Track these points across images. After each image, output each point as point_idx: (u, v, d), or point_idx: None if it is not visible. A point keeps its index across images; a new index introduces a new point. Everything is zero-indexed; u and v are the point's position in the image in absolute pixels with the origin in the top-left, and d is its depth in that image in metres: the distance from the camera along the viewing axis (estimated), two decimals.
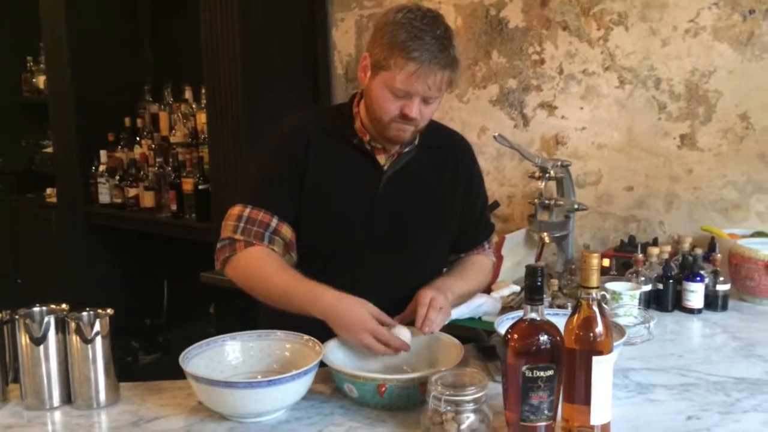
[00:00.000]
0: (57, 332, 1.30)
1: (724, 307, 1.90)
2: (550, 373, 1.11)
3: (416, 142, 1.59)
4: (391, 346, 1.38)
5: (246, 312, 1.72)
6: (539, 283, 1.14)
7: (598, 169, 2.55)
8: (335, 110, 1.65)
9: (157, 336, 3.68)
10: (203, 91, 3.06)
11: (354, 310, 1.39)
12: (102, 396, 1.31)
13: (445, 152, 1.65)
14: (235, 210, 1.54)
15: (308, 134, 1.56)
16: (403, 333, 1.41)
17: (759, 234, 2.17)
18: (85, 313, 1.31)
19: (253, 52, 2.82)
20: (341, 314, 1.39)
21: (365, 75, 1.49)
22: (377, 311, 1.41)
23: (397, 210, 1.57)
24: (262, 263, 1.51)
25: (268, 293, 1.50)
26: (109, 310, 1.33)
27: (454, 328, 1.88)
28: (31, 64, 3.94)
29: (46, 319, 1.29)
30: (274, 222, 1.53)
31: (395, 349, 1.39)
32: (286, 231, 1.55)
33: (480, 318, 2.01)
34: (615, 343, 1.24)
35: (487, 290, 2.05)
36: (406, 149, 1.58)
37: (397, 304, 1.48)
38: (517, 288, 2.15)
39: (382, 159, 1.58)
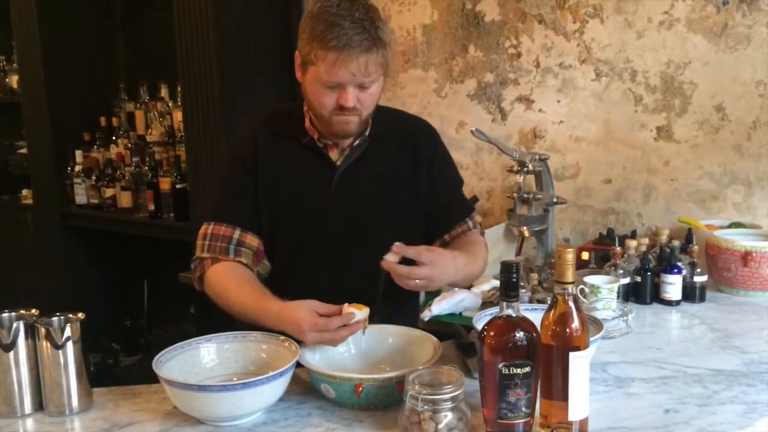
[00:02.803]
0: (27, 338, 1.28)
1: (702, 299, 1.91)
2: (526, 369, 1.11)
3: (367, 133, 1.56)
4: (340, 330, 1.30)
5: (227, 312, 1.70)
6: (515, 280, 1.14)
7: (576, 162, 2.55)
8: (286, 111, 1.63)
9: (138, 337, 3.64)
10: (179, 88, 3.02)
11: (292, 316, 1.33)
12: (74, 402, 1.29)
13: (402, 140, 1.61)
14: (202, 229, 1.57)
15: (256, 140, 1.55)
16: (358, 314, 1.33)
17: (735, 225, 2.18)
18: (55, 318, 1.29)
19: (228, 48, 2.78)
20: (285, 325, 1.34)
21: (300, 74, 1.48)
22: (319, 305, 1.33)
23: (352, 205, 1.55)
24: (221, 281, 1.50)
25: (233, 312, 1.49)
26: (79, 315, 1.30)
27: (433, 324, 1.88)
28: (4, 63, 3.87)
29: (15, 324, 1.27)
30: (237, 234, 1.53)
31: (345, 325, 1.30)
32: (252, 240, 1.54)
33: (461, 314, 2.01)
34: (592, 338, 1.24)
35: (468, 285, 2.05)
36: (357, 142, 1.55)
37: (367, 297, 1.40)
38: (498, 283, 2.14)
39: (334, 155, 1.56)
